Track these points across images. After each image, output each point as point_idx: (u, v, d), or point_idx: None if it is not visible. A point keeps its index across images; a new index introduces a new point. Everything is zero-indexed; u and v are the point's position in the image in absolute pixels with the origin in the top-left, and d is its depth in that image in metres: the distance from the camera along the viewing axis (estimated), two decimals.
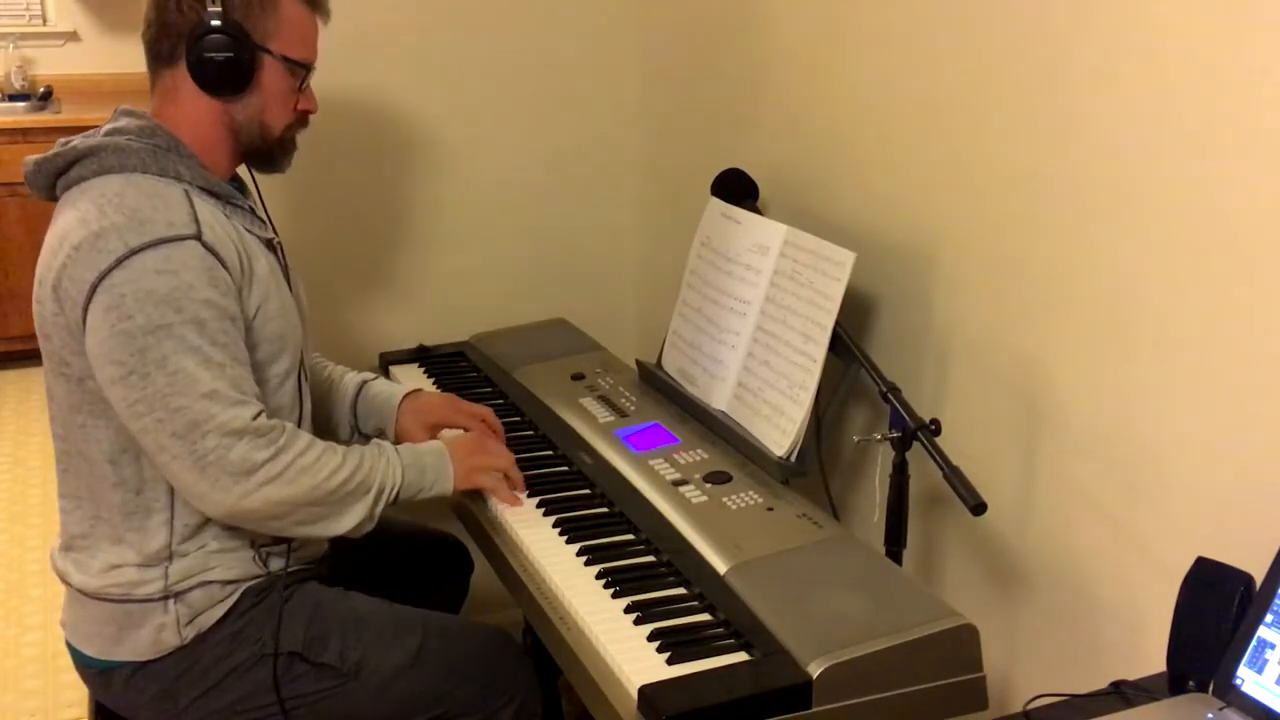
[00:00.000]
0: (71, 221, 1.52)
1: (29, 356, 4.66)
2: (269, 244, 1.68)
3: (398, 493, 1.65)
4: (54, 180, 1.59)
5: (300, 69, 1.67)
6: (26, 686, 2.72)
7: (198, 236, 1.51)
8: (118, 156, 1.55)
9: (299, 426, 1.70)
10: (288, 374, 1.66)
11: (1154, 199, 1.41)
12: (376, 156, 2.39)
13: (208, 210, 1.56)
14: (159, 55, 1.62)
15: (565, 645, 1.45)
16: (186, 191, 1.56)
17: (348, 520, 1.60)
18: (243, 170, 1.74)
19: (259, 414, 1.53)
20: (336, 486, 1.57)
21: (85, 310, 1.48)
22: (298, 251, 1.83)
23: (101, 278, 1.47)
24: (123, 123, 1.61)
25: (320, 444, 1.59)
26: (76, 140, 1.58)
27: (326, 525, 1.60)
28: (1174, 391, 1.40)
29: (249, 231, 1.63)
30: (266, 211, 1.75)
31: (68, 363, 1.55)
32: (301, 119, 1.72)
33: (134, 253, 1.47)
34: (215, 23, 1.57)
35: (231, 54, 1.58)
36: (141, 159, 1.55)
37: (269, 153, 1.70)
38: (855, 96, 1.92)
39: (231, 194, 1.63)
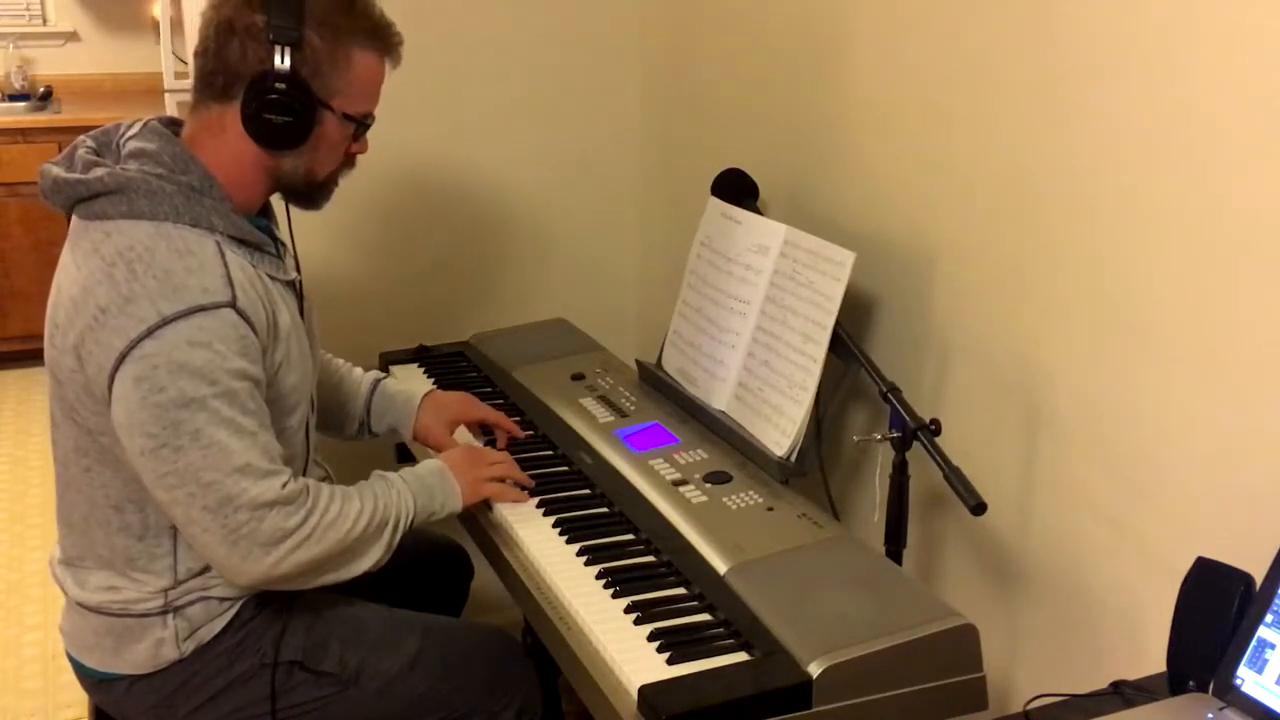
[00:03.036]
0: (97, 274, 1.44)
1: (29, 356, 4.65)
2: (290, 284, 1.62)
3: (411, 521, 1.63)
4: (73, 203, 1.50)
5: (360, 123, 1.59)
6: (26, 687, 2.71)
7: (232, 304, 1.44)
8: (149, 201, 1.46)
9: (305, 465, 1.68)
10: (300, 424, 1.63)
11: (1154, 199, 1.40)
12: (377, 158, 2.38)
13: (238, 266, 1.48)
14: (211, 87, 1.52)
15: (565, 645, 1.45)
16: (219, 244, 1.48)
17: (368, 560, 1.58)
18: None
19: (287, 481, 1.48)
20: (360, 532, 1.55)
21: (112, 377, 1.42)
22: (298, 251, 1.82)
23: (132, 346, 1.40)
24: (153, 146, 1.51)
25: (337, 493, 1.56)
26: (103, 172, 1.47)
27: (350, 569, 1.57)
28: (1174, 392, 1.40)
29: (273, 279, 1.56)
30: (293, 239, 1.67)
31: (78, 412, 1.51)
32: (349, 161, 1.64)
33: (167, 322, 1.40)
34: (280, 85, 1.47)
35: (291, 116, 1.49)
36: (174, 205, 1.46)
37: (309, 194, 1.62)
38: (856, 96, 1.92)
39: (262, 241, 1.56)
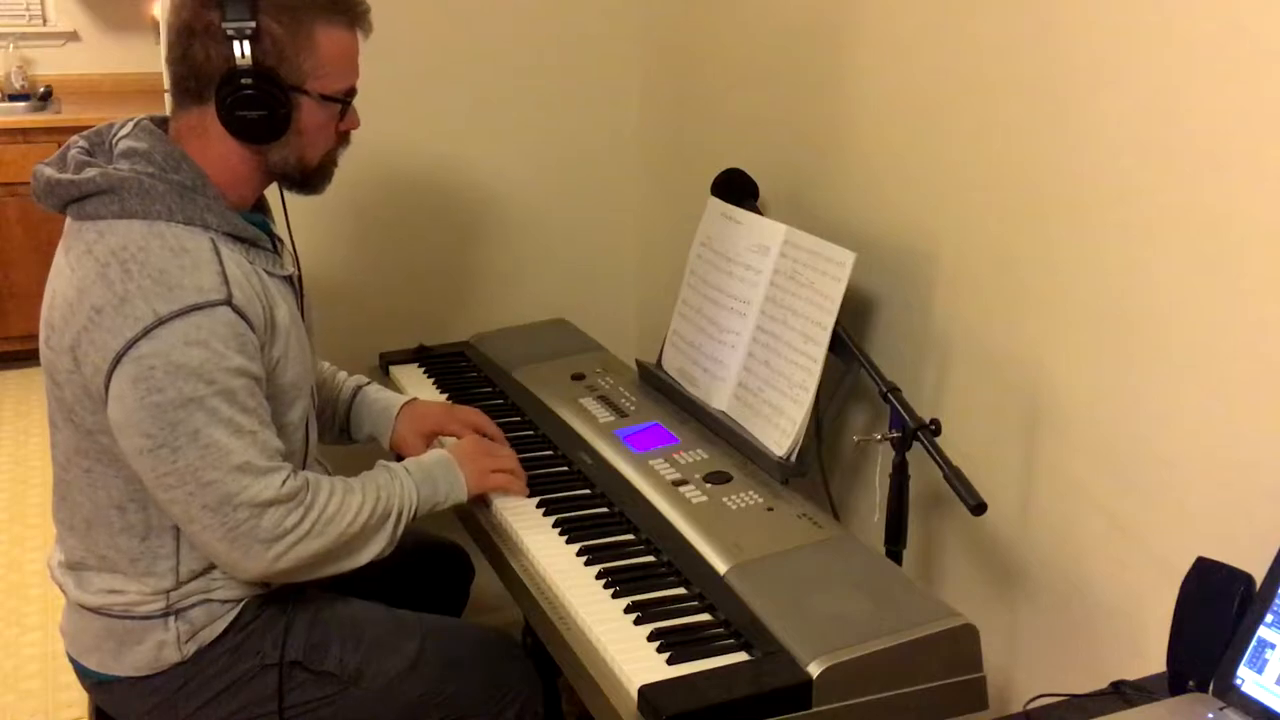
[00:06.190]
0: (91, 275, 1.43)
1: (29, 356, 4.65)
2: (287, 279, 1.61)
3: (415, 512, 1.63)
4: (66, 204, 1.49)
5: (342, 101, 1.57)
6: (26, 687, 2.71)
7: (228, 301, 1.44)
8: (141, 200, 1.45)
9: (305, 460, 1.67)
10: (300, 420, 1.62)
11: (1154, 198, 1.41)
12: (377, 158, 2.39)
13: (234, 263, 1.48)
14: (186, 92, 1.51)
15: (565, 645, 1.45)
16: (213, 242, 1.47)
17: (371, 550, 1.59)
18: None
19: (287, 478, 1.48)
20: (362, 525, 1.55)
21: (109, 377, 1.41)
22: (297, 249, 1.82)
23: (128, 347, 1.39)
24: (144, 145, 1.50)
25: (339, 486, 1.56)
26: (95, 173, 1.46)
27: (353, 560, 1.58)
28: (1174, 391, 1.40)
29: (270, 274, 1.55)
30: (291, 233, 1.66)
31: (76, 413, 1.50)
32: (343, 139, 1.62)
33: (162, 322, 1.39)
34: (246, 80, 1.46)
35: (265, 110, 1.47)
36: (167, 205, 1.45)
37: (306, 181, 1.60)
38: (856, 96, 1.92)
39: (257, 237, 1.55)
